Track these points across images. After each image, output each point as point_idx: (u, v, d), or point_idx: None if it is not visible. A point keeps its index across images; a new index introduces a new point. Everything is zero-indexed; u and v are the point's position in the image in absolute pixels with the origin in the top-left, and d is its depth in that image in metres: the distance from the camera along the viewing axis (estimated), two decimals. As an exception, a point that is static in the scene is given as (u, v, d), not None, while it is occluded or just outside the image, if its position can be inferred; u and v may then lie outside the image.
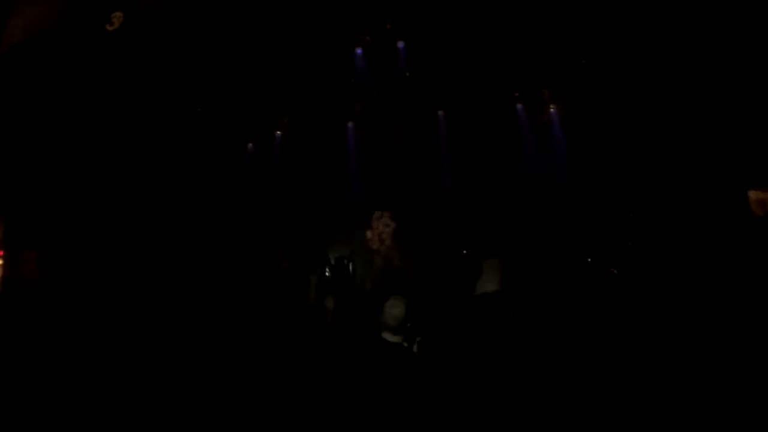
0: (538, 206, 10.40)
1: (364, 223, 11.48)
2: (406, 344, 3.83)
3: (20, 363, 5.38)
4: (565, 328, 3.95)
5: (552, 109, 11.05)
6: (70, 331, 6.05)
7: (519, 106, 11.31)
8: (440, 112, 11.69)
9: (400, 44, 11.45)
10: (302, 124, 12.08)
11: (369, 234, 11.44)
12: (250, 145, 12.37)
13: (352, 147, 12.00)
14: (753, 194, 3.78)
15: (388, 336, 3.86)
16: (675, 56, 8.55)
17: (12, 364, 5.38)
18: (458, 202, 11.02)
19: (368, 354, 3.77)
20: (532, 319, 3.87)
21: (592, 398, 3.64)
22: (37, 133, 9.77)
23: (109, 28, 9.24)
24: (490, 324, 3.86)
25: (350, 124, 12.13)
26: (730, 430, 3.62)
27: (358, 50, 11.61)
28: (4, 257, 9.22)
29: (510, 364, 3.63)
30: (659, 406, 3.65)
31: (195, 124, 11.36)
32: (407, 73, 11.51)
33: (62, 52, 9.41)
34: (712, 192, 7.35)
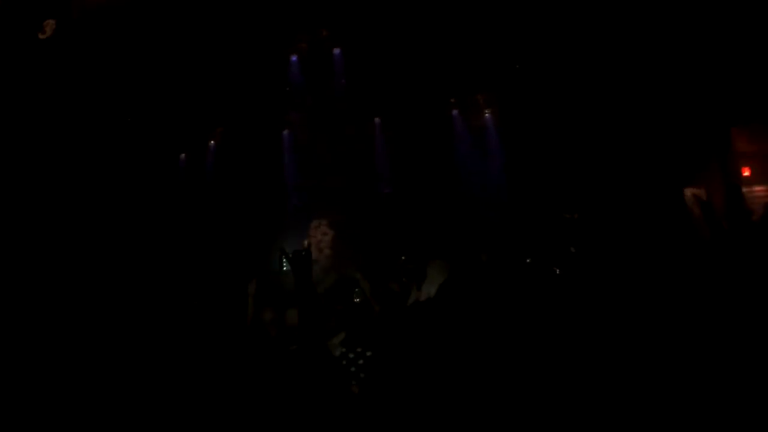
0: (476, 209, 10.50)
1: (302, 232, 11.27)
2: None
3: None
4: (515, 330, 3.92)
5: (487, 114, 11.22)
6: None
7: (455, 111, 11.45)
8: (377, 119, 11.66)
9: (336, 51, 11.38)
10: (237, 134, 11.81)
11: (306, 243, 11.21)
12: (183, 155, 11.97)
13: (288, 155, 11.81)
14: (688, 191, 3.88)
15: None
16: (608, 60, 8.78)
17: None
18: (397, 207, 10.99)
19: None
20: (479, 320, 3.82)
21: (543, 400, 3.60)
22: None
23: (41, 36, 8.86)
24: (436, 328, 3.78)
25: (286, 132, 11.93)
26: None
27: (294, 57, 11.47)
28: None
29: (457, 367, 3.56)
30: (611, 403, 3.65)
31: (125, 134, 10.91)
32: (343, 81, 11.42)
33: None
34: (649, 189, 7.55)
